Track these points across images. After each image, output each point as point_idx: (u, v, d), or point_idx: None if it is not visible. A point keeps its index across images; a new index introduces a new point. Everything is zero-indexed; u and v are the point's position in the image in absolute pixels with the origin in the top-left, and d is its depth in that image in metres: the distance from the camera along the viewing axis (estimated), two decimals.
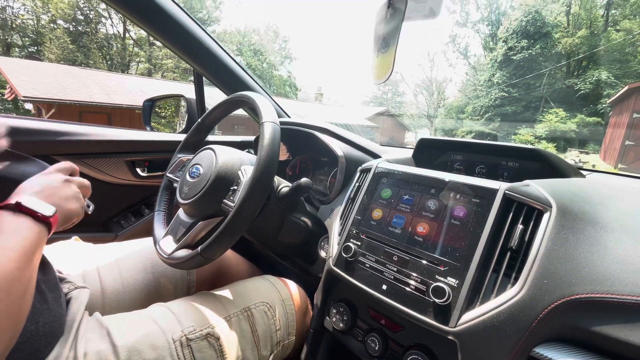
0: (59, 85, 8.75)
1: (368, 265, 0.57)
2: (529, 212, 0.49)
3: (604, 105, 15.51)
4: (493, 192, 0.50)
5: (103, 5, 17.83)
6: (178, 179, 0.72)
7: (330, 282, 0.64)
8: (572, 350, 0.43)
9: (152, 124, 1.22)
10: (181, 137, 0.79)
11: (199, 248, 0.56)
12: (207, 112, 0.78)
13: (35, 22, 17.27)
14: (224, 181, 0.62)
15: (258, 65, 23.34)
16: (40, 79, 8.68)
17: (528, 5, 19.34)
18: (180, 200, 0.66)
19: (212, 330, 0.56)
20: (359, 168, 0.74)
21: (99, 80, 10.39)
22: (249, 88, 1.02)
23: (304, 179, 0.67)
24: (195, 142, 0.79)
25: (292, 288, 0.76)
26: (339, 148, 0.81)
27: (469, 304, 0.45)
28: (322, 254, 0.77)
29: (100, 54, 18.57)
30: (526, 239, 0.47)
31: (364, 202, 0.64)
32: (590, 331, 0.42)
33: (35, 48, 17.31)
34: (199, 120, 0.78)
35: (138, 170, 1.01)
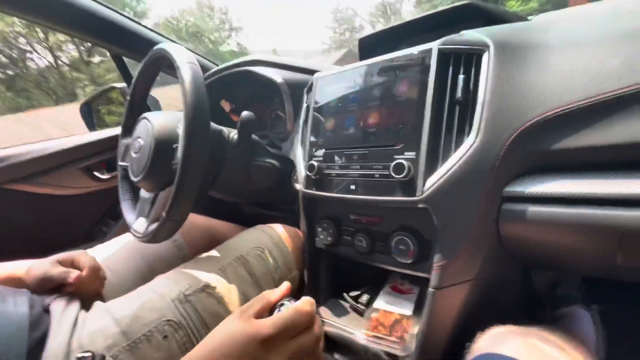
0: (11, 136, 8.36)
1: (334, 174, 0.56)
2: (468, 61, 0.46)
3: None
4: (427, 52, 0.47)
5: (22, 40, 16.37)
6: (129, 163, 0.69)
7: (308, 205, 0.64)
8: (541, 177, 0.43)
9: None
10: None
11: (164, 213, 0.54)
12: (130, 89, 0.73)
13: None
14: (165, 144, 0.59)
15: (201, 47, 21.96)
16: None
17: None
18: (134, 179, 0.64)
19: (207, 283, 0.57)
20: (305, 89, 0.71)
21: (51, 117, 9.87)
22: None
23: (243, 113, 0.64)
24: (132, 123, 0.75)
25: (281, 230, 0.76)
26: (278, 75, 0.76)
27: (432, 170, 0.45)
28: (297, 186, 0.77)
29: (41, 91, 17.41)
30: (471, 87, 0.45)
31: (316, 119, 0.62)
32: (553, 150, 0.42)
33: None
34: (127, 99, 0.73)
35: (97, 174, 0.97)
